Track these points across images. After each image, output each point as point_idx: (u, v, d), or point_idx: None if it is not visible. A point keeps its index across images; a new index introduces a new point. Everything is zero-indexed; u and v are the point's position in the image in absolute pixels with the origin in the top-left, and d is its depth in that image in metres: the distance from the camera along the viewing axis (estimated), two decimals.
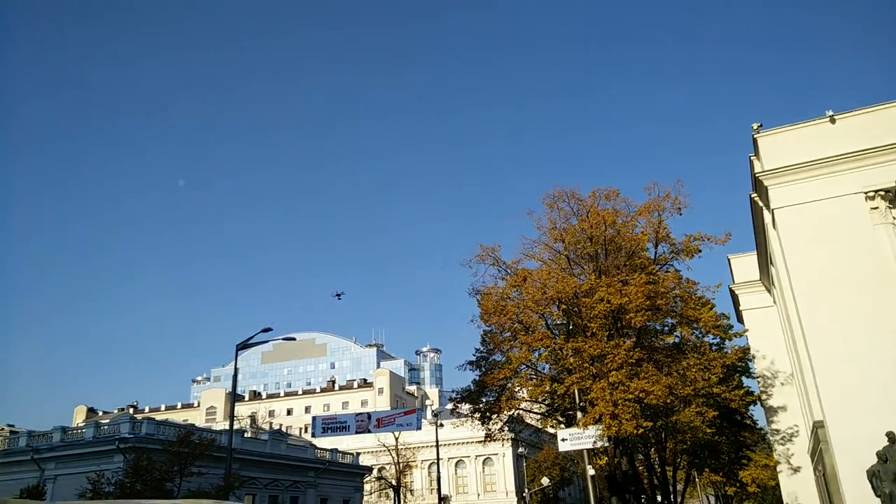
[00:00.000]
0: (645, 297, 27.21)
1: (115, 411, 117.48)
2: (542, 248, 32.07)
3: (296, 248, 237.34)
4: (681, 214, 30.22)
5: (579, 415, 27.36)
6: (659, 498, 38.18)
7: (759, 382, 35.16)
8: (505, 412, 31.12)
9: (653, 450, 37.95)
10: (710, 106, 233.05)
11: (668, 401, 26.21)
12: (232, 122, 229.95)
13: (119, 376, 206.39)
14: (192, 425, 40.00)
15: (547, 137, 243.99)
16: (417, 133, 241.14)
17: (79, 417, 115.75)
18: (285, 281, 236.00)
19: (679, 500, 41.72)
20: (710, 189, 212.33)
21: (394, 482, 56.17)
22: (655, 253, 31.50)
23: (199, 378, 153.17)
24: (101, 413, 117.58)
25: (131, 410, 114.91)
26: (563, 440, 27.67)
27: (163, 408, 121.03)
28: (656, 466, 39.30)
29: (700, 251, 30.74)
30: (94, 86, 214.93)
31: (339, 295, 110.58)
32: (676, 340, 32.47)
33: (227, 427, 54.27)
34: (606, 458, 27.36)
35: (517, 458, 64.31)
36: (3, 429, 50.48)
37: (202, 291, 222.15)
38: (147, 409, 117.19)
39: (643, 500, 36.66)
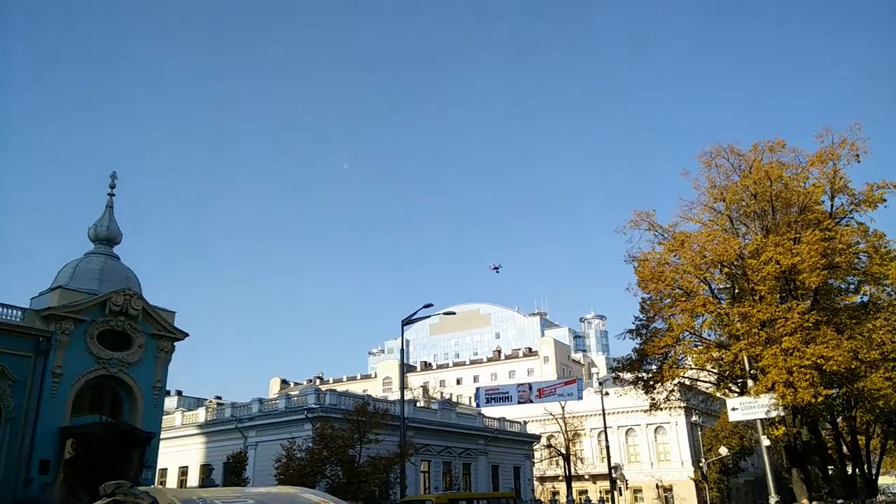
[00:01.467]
0: (820, 255, 25.18)
1: (304, 382, 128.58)
2: (701, 208, 30.63)
3: (456, 220, 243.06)
4: (859, 161, 27.51)
5: (750, 383, 26.02)
6: (849, 469, 35.24)
7: None
8: (668, 381, 30.26)
9: (839, 418, 35.07)
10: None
11: (853, 366, 24.18)
12: (399, 101, 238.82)
13: (306, 349, 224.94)
14: (369, 396, 42.96)
15: (703, 90, 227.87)
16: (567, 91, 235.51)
17: (274, 388, 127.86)
18: (447, 252, 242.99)
19: (874, 471, 38.23)
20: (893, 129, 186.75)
21: (563, 451, 56.65)
22: (832, 206, 28.92)
23: (375, 350, 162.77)
24: (292, 384, 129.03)
25: (317, 381, 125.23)
26: (733, 409, 26.52)
27: (344, 378, 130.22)
28: (845, 436, 36.26)
29: (885, 200, 27.78)
30: None
31: (496, 268, 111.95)
32: (863, 300, 29.67)
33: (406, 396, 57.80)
34: (784, 428, 25.76)
35: (691, 426, 61.96)
36: (211, 401, 57.17)
37: (373, 265, 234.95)
38: (331, 380, 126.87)
39: (831, 472, 34.13)
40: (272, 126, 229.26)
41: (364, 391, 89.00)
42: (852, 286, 30.67)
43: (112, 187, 29.59)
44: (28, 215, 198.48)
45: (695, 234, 29.02)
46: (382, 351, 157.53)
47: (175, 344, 29.32)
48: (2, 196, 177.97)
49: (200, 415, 45.70)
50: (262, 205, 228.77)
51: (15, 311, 25.16)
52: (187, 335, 29.48)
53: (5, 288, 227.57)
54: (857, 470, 35.57)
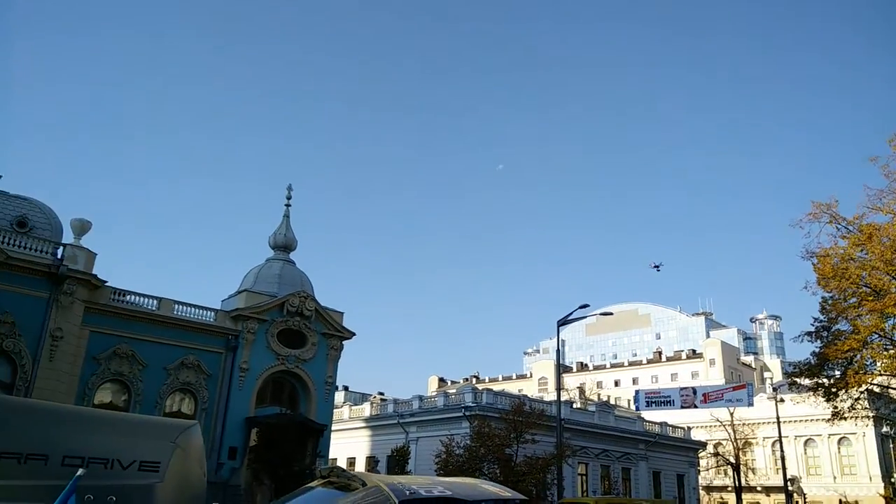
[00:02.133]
0: None
1: (461, 381, 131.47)
2: (893, 197, 27.53)
3: (611, 217, 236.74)
4: None
5: None
6: None
7: None
8: (854, 388, 27.55)
9: None
10: None
11: None
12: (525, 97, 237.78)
13: (463, 349, 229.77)
14: (525, 396, 43.17)
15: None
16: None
17: (432, 386, 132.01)
18: (604, 251, 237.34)
19: None
20: None
21: (732, 459, 53.33)
22: None
23: (530, 350, 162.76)
24: (449, 382, 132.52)
25: (473, 380, 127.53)
26: None
27: (500, 378, 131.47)
28: None
29: None
30: None
31: (657, 266, 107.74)
32: None
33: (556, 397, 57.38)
34: None
35: (881, 438, 55.88)
36: (375, 396, 60.13)
37: (529, 263, 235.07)
38: (486, 379, 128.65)
39: None
40: (419, 122, 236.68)
41: (519, 391, 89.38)
42: None
43: (288, 198, 32.33)
44: (209, 227, 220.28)
45: (885, 225, 26.21)
46: (538, 351, 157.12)
47: (343, 342, 31.35)
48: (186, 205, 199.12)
49: (366, 409, 48.33)
50: (415, 200, 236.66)
51: (209, 312, 28.23)
52: (354, 334, 31.41)
53: (190, 291, 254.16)
54: None
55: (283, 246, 31.94)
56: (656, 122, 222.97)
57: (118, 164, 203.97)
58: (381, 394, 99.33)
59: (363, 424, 46.72)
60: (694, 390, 38.08)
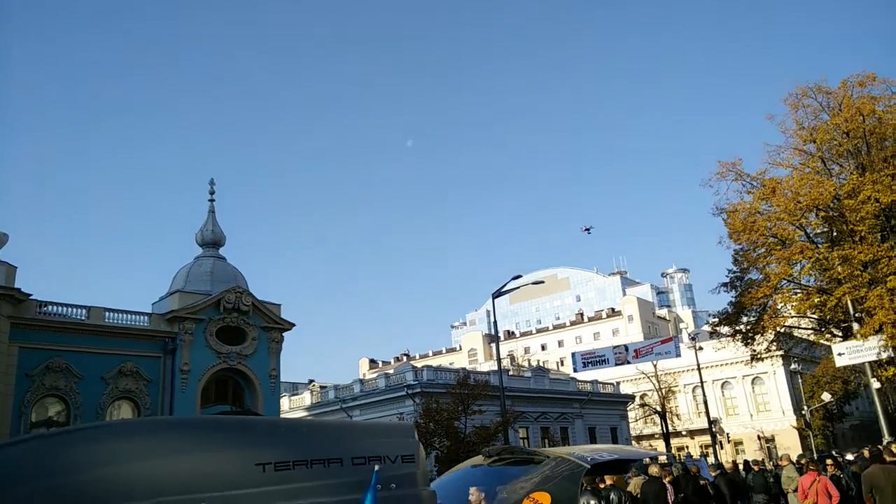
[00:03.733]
0: None
1: (392, 360, 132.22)
2: (791, 152, 29.83)
3: (527, 182, 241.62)
4: None
5: (856, 326, 25.53)
6: None
7: None
8: (769, 331, 29.94)
9: None
10: None
11: None
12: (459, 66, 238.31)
13: (389, 328, 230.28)
14: (463, 369, 44.22)
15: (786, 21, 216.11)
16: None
17: (363, 368, 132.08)
18: (518, 217, 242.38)
19: None
20: None
21: (658, 408, 56.58)
22: None
23: (457, 323, 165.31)
24: (380, 363, 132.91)
25: (405, 358, 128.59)
26: (839, 355, 26.13)
27: (430, 353, 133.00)
28: None
29: None
30: None
31: (588, 229, 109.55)
32: None
33: (490, 367, 58.99)
34: (893, 369, 25.23)
35: (790, 374, 60.58)
36: (315, 384, 59.95)
37: (444, 237, 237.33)
38: (417, 356, 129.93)
39: None
40: (354, 96, 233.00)
41: (450, 364, 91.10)
42: None
43: (212, 193, 31.54)
44: (131, 222, 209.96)
45: (786, 179, 28.40)
46: (465, 324, 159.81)
47: (283, 334, 31.22)
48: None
49: (306, 398, 48.21)
50: (315, 173, 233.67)
51: (141, 317, 27.44)
52: (294, 325, 31.33)
53: (119, 296, 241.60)
54: None
55: (212, 242, 31.27)
56: (571, 81, 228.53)
57: (28, 169, 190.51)
58: (312, 381, 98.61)
59: (305, 413, 46.62)
60: (626, 347, 40.17)
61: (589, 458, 7.91)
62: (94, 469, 4.81)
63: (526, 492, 8.01)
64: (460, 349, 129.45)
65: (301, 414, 46.58)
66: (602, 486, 9.34)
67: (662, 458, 23.18)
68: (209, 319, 28.20)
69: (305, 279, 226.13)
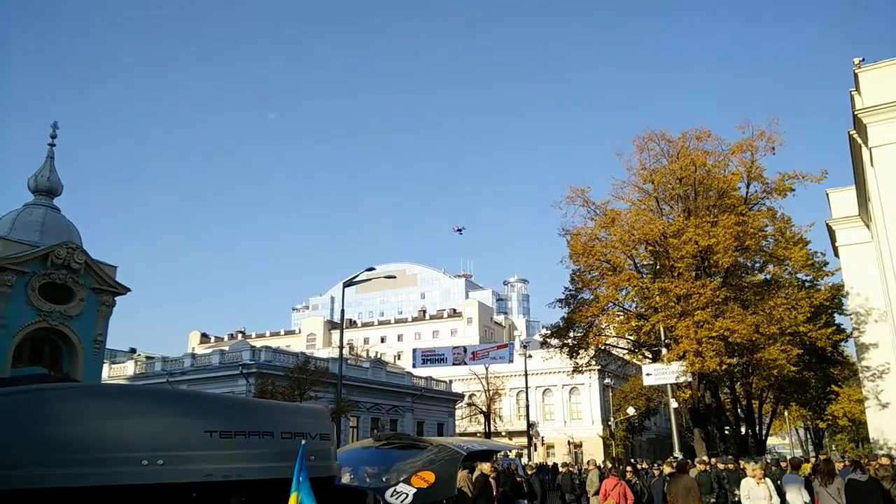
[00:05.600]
0: (733, 238, 27.75)
1: (226, 337, 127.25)
2: (632, 188, 32.77)
3: (387, 177, 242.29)
4: (774, 153, 30.11)
5: (664, 351, 28.65)
6: (744, 430, 39.21)
7: (851, 319, 34.98)
8: (592, 347, 32.73)
9: (738, 384, 38.79)
10: (810, 40, 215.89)
11: (754, 338, 26.96)
12: (321, 48, 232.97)
13: (225, 303, 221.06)
14: (304, 353, 43.90)
15: (637, 71, 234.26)
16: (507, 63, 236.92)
17: (193, 342, 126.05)
18: (374, 210, 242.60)
19: (765, 432, 42.58)
20: (808, 124, 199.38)
21: (484, 409, 59.51)
22: (747, 192, 31.58)
23: (299, 306, 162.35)
24: (213, 339, 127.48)
25: (240, 336, 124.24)
26: (647, 375, 29.19)
27: (267, 334, 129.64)
28: (741, 400, 40.17)
29: (794, 190, 30.71)
30: None
31: (459, 230, 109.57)
32: (766, 278, 32.83)
33: (329, 354, 58.91)
34: (690, 392, 28.67)
35: (603, 388, 66.16)
36: (139, 354, 56.58)
37: (294, 222, 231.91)
38: (254, 335, 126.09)
39: (727, 432, 37.86)
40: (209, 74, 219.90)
41: (287, 346, 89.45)
42: (758, 265, 33.84)
43: (53, 137, 28.82)
44: None
45: (625, 212, 31.20)
46: (307, 307, 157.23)
47: (116, 298, 29.31)
48: None
49: (129, 368, 45.46)
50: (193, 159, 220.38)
51: None
52: (129, 290, 29.48)
53: None
54: (749, 431, 39.58)
55: (47, 190, 28.57)
56: (446, 91, 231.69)
57: None
58: (134, 350, 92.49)
59: (126, 384, 43.93)
60: (465, 349, 42.07)
61: (465, 447, 9.81)
62: (72, 423, 5.51)
63: (415, 470, 9.54)
64: (299, 332, 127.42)
65: (122, 383, 43.87)
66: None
67: (512, 454, 25.08)
68: (33, 273, 25.76)
69: (141, 243, 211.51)
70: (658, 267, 30.45)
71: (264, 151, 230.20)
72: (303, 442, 6.40)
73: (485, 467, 11.14)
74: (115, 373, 45.48)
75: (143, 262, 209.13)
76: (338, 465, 7.63)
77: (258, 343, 73.57)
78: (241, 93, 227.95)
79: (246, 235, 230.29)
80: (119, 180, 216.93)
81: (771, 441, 70.81)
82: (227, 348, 48.24)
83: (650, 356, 32.79)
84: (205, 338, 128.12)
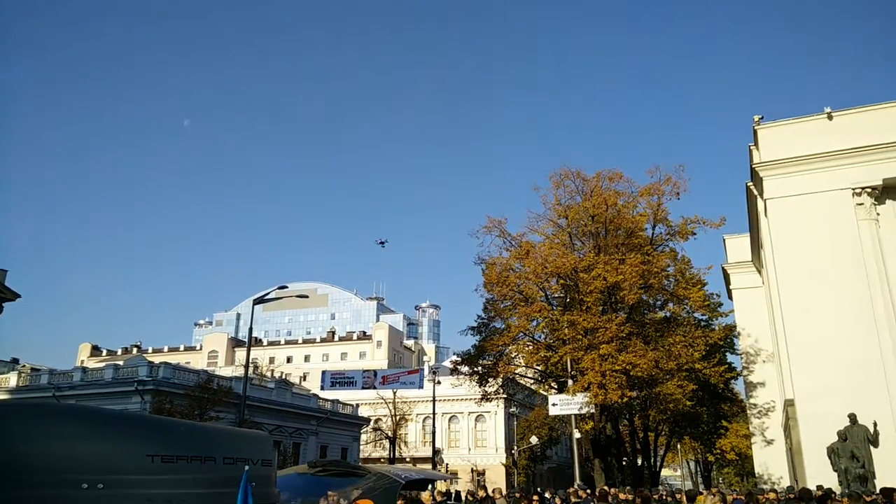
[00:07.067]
0: (639, 276, 29.02)
1: (119, 351, 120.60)
2: (547, 223, 33.77)
3: (297, 194, 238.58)
4: (679, 198, 31.79)
5: (570, 382, 29.43)
6: (640, 461, 40.64)
7: (742, 358, 37.16)
8: (501, 375, 33.21)
9: (636, 417, 40.27)
10: (715, 96, 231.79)
11: (654, 373, 28.16)
12: (246, 66, 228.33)
13: (121, 315, 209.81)
14: (206, 371, 42.19)
15: (557, 114, 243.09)
16: (424, 86, 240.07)
17: (83, 354, 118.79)
18: (284, 228, 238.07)
19: (659, 464, 44.34)
20: (710, 173, 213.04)
21: (390, 434, 58.93)
22: (653, 234, 33.17)
23: (202, 321, 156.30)
24: (105, 352, 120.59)
25: (135, 350, 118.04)
26: (553, 405, 29.86)
27: (166, 349, 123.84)
28: (639, 432, 41.69)
29: (695, 234, 32.50)
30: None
31: (382, 242, 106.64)
32: (667, 316, 34.44)
33: (232, 373, 56.88)
34: (592, 423, 29.53)
35: (509, 416, 66.97)
36: (24, 366, 52.77)
37: (202, 233, 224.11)
38: (150, 350, 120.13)
39: (625, 463, 39.14)
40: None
41: (187, 363, 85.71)
42: (659, 303, 35.47)
43: None
44: None
45: (539, 245, 32.08)
46: (210, 323, 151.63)
47: (4, 304, 27.34)
48: None
49: (12, 379, 42.23)
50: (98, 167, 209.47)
51: None
52: (19, 296, 27.62)
53: None
54: (645, 462, 41.08)
55: None
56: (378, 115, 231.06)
57: None
58: (17, 360, 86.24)
59: (6, 397, 40.76)
60: (375, 373, 41.76)
61: (403, 476, 9.93)
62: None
63: (354, 499, 9.41)
64: (200, 349, 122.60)
65: (2, 396, 40.67)
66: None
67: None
68: None
69: (28, 245, 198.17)
70: (568, 300, 31.35)
71: (179, 159, 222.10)
72: (246, 468, 6.37)
73: (424, 496, 11.17)
74: None
75: (28, 264, 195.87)
76: (277, 492, 7.60)
77: (156, 358, 70.20)
78: (158, 95, 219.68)
79: (144, 245, 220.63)
80: (16, 182, 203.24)
81: (664, 473, 73.63)
82: (121, 363, 45.71)
83: (556, 387, 33.56)
84: (96, 351, 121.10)
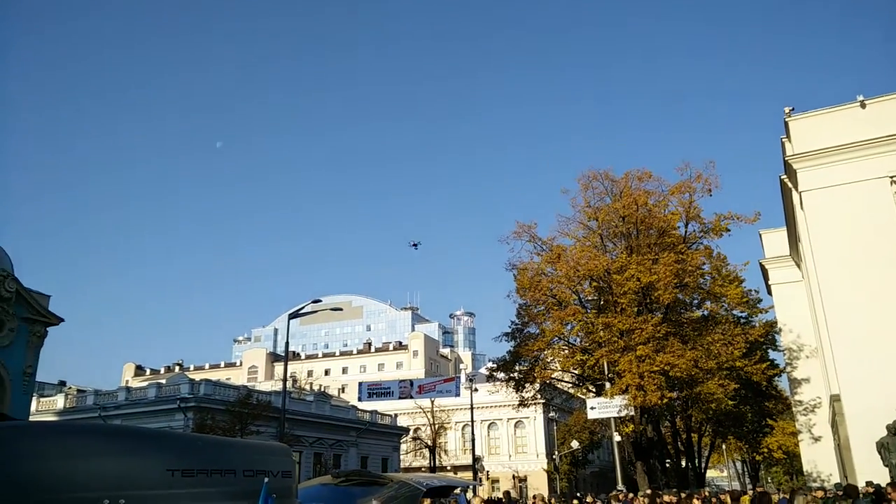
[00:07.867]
0: (673, 276, 28.63)
1: (162, 369, 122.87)
2: (577, 225, 33.54)
3: (331, 208, 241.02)
4: (711, 195, 31.32)
5: (607, 385, 29.13)
6: (684, 463, 39.98)
7: (784, 355, 36.35)
8: (538, 381, 33.02)
9: (678, 418, 39.64)
10: (745, 88, 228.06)
11: (693, 373, 27.73)
12: (271, 84, 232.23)
13: (162, 334, 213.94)
14: (246, 387, 42.79)
15: (584, 117, 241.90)
16: (455, 96, 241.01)
17: (127, 374, 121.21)
18: (320, 241, 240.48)
19: (704, 465, 43.54)
20: (743, 168, 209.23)
21: (429, 443, 58.94)
22: (685, 232, 32.69)
23: (241, 338, 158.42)
24: (148, 371, 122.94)
25: (177, 368, 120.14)
26: (591, 409, 29.58)
27: (207, 366, 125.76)
28: (681, 433, 41.03)
29: (729, 230, 31.91)
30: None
31: (415, 245, 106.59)
32: (704, 314, 33.89)
33: (272, 387, 57.54)
34: (633, 426, 29.16)
35: (548, 421, 66.44)
36: (70, 388, 54.12)
37: (237, 251, 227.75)
38: (192, 368, 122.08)
39: (668, 465, 38.53)
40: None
41: (227, 379, 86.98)
42: (696, 302, 34.93)
43: None
44: None
45: (570, 248, 31.90)
46: (249, 339, 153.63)
47: (48, 329, 28.16)
48: None
49: (59, 401, 43.37)
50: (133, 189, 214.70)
51: None
52: (62, 320, 28.39)
53: None
54: (689, 464, 40.41)
55: None
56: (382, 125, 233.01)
57: None
58: (64, 383, 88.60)
59: (54, 418, 41.86)
60: (412, 382, 41.81)
61: (425, 483, 10.18)
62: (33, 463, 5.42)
63: None
64: (240, 365, 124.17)
65: (51, 418, 41.79)
66: None
67: (458, 490, 24.85)
68: None
69: (72, 270, 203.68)
70: (602, 302, 31.08)
71: (211, 182, 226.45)
72: (266, 480, 6.46)
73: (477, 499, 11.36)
74: (43, 407, 43.27)
75: (73, 289, 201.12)
76: (299, 503, 7.78)
77: (197, 376, 71.42)
78: (189, 126, 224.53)
79: (184, 266, 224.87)
80: (52, 205, 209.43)
81: (709, 474, 72.21)
82: (163, 381, 46.66)
83: (594, 390, 33.24)
84: (140, 370, 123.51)
